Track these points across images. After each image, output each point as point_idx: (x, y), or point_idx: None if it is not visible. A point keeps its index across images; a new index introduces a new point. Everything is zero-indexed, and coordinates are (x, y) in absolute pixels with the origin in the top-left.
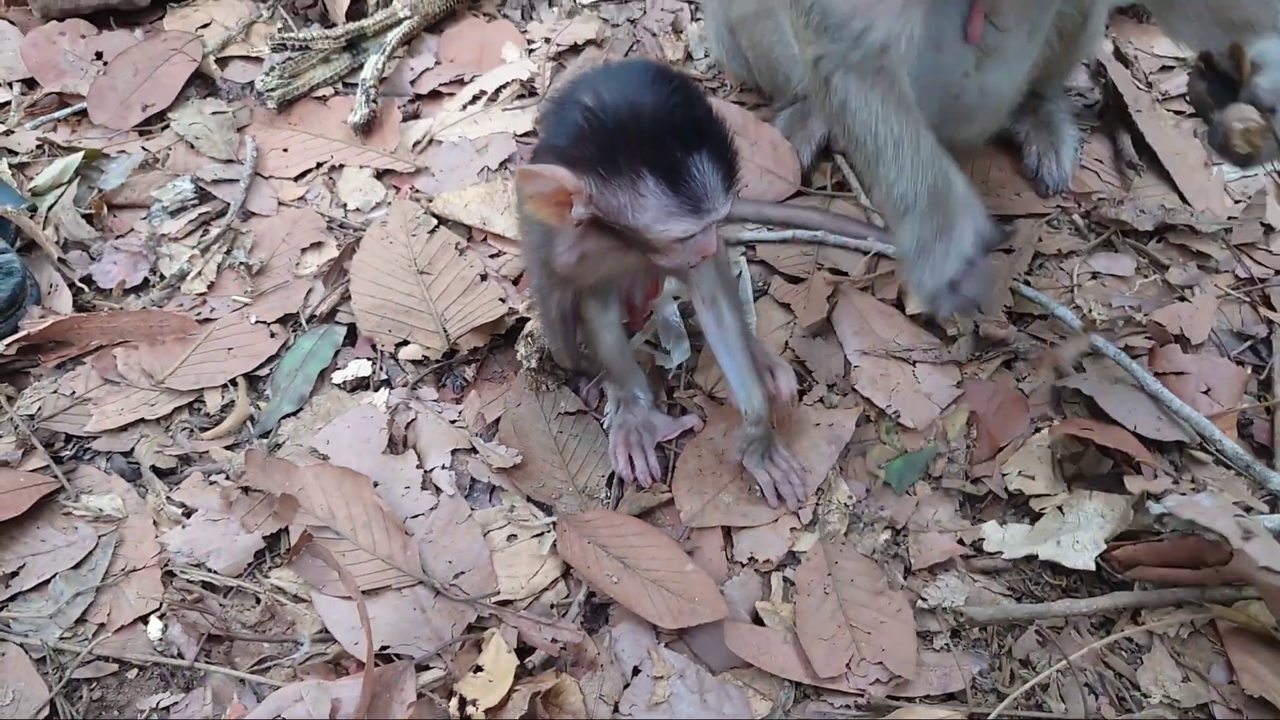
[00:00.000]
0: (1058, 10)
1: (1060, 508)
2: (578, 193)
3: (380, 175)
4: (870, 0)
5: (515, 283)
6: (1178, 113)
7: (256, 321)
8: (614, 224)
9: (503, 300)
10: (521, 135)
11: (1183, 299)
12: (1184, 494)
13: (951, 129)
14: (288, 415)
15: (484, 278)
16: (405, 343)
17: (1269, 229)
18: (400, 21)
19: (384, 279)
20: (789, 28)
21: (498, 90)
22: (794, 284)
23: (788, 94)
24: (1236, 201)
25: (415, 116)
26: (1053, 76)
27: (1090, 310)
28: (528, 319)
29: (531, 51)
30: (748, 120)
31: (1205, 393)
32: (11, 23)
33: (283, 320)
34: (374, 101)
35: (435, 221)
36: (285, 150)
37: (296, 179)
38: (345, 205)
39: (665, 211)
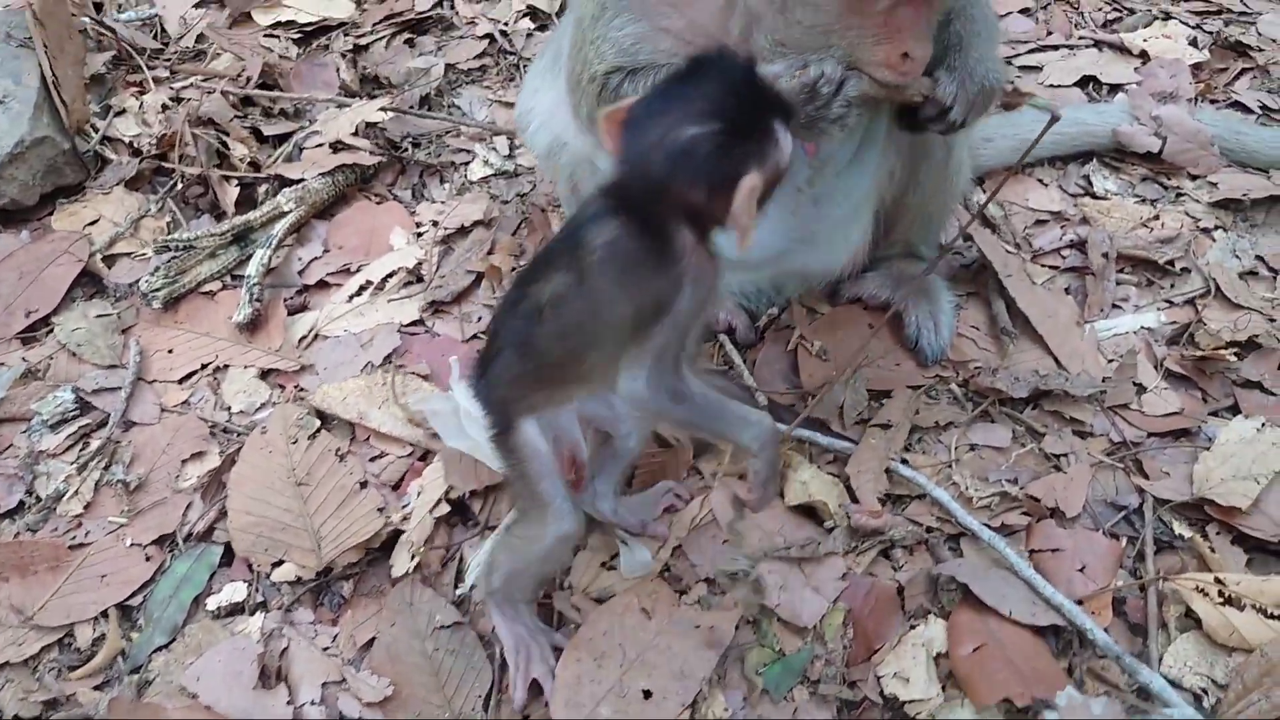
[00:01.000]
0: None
1: (933, 717)
2: (754, 186)
3: (265, 374)
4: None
5: (395, 488)
6: (1053, 268)
7: (132, 544)
8: (771, 182)
9: (381, 510)
10: (406, 325)
11: (1058, 468)
12: (1077, 696)
13: (801, 256)
14: (159, 648)
15: (364, 485)
16: (281, 562)
17: (1140, 388)
18: (285, 214)
19: (261, 493)
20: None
21: (384, 279)
22: None
23: None
24: (1110, 360)
25: (303, 309)
26: (926, 218)
27: (967, 488)
28: (403, 531)
29: (420, 235)
30: None
31: (1081, 570)
32: None
33: (159, 541)
34: (258, 300)
35: (317, 423)
36: (170, 351)
37: (181, 382)
38: (229, 408)
39: (786, 137)
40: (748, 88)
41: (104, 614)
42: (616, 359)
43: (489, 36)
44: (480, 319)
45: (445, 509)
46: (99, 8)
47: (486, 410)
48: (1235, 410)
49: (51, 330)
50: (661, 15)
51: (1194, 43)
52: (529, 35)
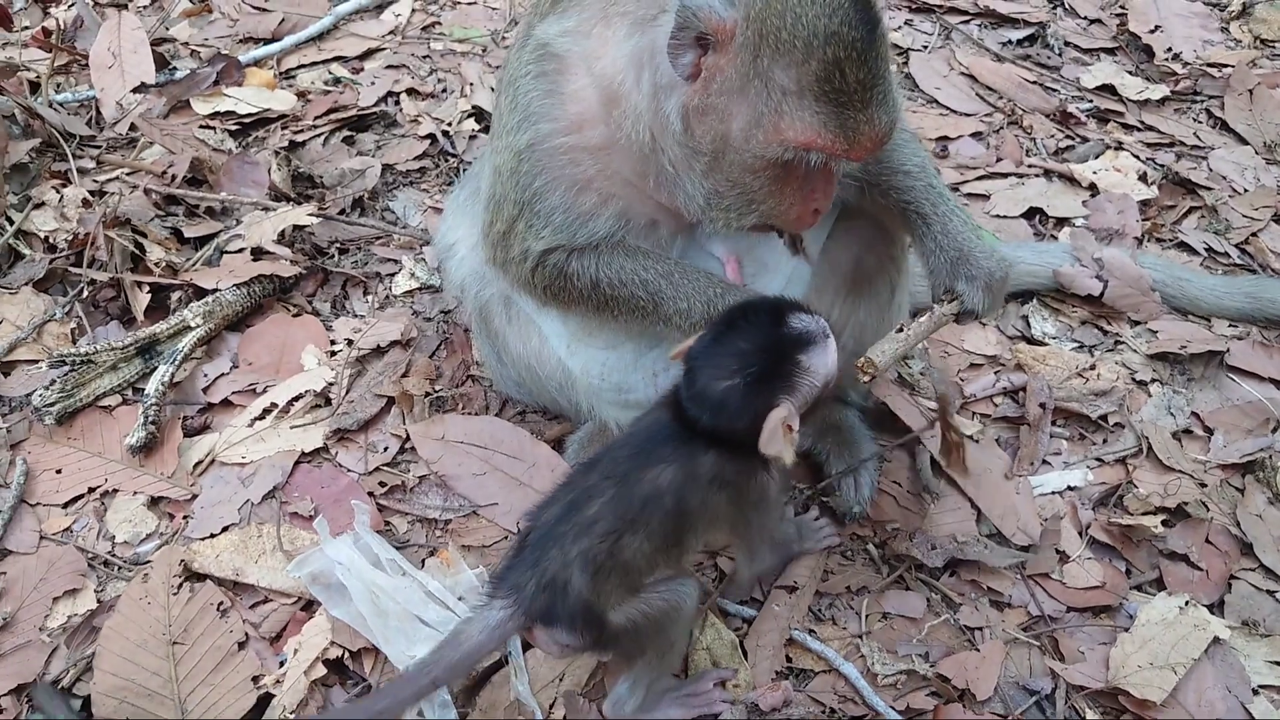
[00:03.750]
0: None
1: None
2: (785, 415)
3: (154, 502)
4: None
5: (277, 639)
6: (984, 416)
7: None
8: (811, 399)
9: (255, 680)
10: (307, 453)
11: (972, 644)
12: None
13: None
14: None
15: (243, 645)
16: None
17: (1063, 557)
18: (191, 329)
19: (133, 653)
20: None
21: (290, 402)
22: None
23: (577, 417)
24: (1045, 520)
25: (203, 430)
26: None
27: (875, 662)
28: (273, 695)
29: (333, 354)
30: (524, 441)
31: None
32: None
33: (16, 691)
34: (153, 422)
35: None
36: (59, 472)
37: (65, 506)
38: (113, 538)
39: (820, 356)
40: (773, 332)
41: None
42: (696, 544)
43: (431, 137)
44: (386, 448)
45: (321, 671)
46: (35, 88)
47: (576, 631)
48: (1160, 584)
49: None
50: (574, 164)
51: (1144, 177)
52: (472, 137)
